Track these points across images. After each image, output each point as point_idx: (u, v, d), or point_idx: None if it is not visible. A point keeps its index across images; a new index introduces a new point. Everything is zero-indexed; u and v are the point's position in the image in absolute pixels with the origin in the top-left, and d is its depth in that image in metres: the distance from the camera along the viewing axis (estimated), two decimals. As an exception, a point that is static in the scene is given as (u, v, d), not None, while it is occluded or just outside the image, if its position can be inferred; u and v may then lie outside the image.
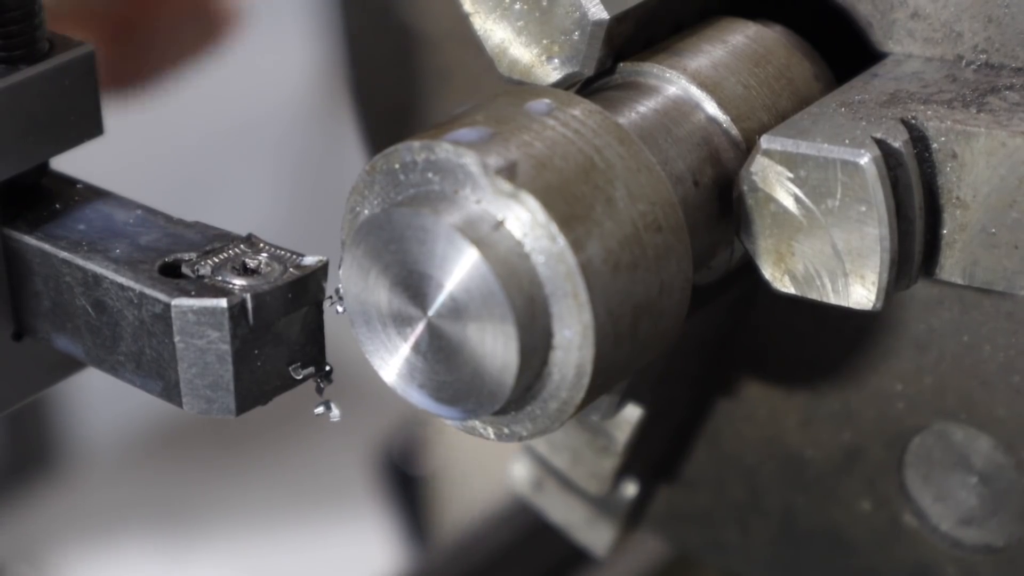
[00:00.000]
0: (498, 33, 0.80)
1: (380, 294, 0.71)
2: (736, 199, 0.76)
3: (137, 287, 0.75)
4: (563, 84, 0.79)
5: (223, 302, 0.73)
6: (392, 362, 0.72)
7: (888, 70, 0.79)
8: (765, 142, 0.74)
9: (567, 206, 0.68)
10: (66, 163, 0.85)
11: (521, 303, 0.68)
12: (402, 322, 0.71)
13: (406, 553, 1.73)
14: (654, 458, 0.93)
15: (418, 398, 0.72)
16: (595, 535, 0.95)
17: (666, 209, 0.71)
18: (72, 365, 0.83)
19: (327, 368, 0.77)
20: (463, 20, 0.81)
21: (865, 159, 0.72)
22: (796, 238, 0.75)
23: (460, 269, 0.68)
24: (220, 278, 0.75)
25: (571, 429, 0.90)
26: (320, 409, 0.77)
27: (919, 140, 0.75)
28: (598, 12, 0.78)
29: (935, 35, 0.79)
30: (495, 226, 0.68)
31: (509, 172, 0.68)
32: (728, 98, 0.78)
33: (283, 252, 0.76)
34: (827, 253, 0.74)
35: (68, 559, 2.51)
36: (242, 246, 0.76)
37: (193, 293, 0.74)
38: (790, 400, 0.89)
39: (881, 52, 0.81)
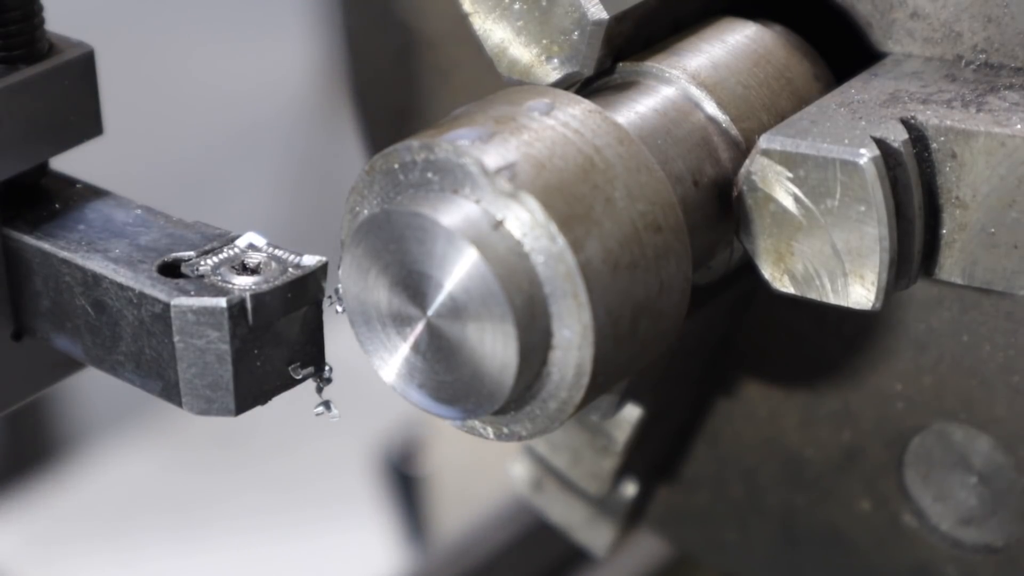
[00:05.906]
0: (497, 33, 0.80)
1: (380, 294, 0.71)
2: (735, 199, 0.76)
3: (136, 287, 0.75)
4: (563, 84, 0.79)
5: (222, 302, 0.73)
6: (392, 362, 0.72)
7: (887, 70, 0.79)
8: (764, 142, 0.74)
9: (566, 206, 0.68)
10: (66, 163, 0.85)
11: (521, 303, 0.68)
12: (402, 322, 0.71)
13: (406, 553, 1.73)
14: (654, 458, 0.93)
15: (418, 398, 0.72)
16: (595, 535, 0.95)
17: (665, 209, 0.71)
18: (72, 365, 0.83)
19: (327, 368, 0.76)
20: (463, 20, 0.81)
21: (864, 159, 0.72)
22: (795, 238, 0.75)
23: (460, 269, 0.68)
24: (219, 278, 0.75)
25: (571, 429, 0.90)
26: (320, 409, 0.77)
27: (918, 140, 0.75)
28: (597, 12, 0.78)
29: (934, 35, 0.79)
30: (494, 226, 0.68)
31: (508, 172, 0.68)
32: (727, 98, 0.78)
33: (283, 252, 0.75)
34: (826, 253, 0.74)
35: (68, 559, 2.51)
36: (242, 246, 0.76)
37: (192, 293, 0.74)
38: (790, 400, 0.89)
39: (881, 52, 0.81)
